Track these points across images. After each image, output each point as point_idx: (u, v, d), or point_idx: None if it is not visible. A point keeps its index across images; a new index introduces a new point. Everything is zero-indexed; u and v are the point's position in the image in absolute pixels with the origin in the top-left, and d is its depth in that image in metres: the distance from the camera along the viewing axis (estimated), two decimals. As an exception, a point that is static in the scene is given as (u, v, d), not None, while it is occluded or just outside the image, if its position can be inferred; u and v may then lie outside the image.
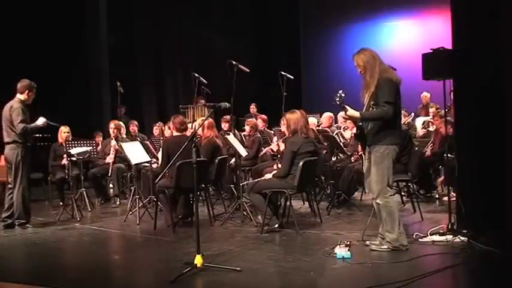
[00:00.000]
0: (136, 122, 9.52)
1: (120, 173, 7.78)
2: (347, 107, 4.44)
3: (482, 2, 4.93)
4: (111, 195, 7.96)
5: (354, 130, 4.83)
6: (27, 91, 6.09)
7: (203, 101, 9.10)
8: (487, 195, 4.80)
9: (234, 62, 6.24)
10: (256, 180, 5.82)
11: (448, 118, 6.61)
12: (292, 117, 5.55)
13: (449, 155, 6.14)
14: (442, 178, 7.39)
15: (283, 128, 6.68)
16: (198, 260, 4.04)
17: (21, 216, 6.08)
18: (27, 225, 6.11)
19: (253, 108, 11.69)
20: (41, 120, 6.15)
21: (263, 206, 5.36)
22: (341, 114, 9.10)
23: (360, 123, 4.59)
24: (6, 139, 6.06)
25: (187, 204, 6.08)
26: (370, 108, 4.44)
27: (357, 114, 4.45)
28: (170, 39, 12.74)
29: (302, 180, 5.27)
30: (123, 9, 11.75)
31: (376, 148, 4.42)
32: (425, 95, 10.21)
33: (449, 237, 4.70)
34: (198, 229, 4.18)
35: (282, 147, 6.54)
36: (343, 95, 4.44)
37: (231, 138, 6.38)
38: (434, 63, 4.94)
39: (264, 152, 7.60)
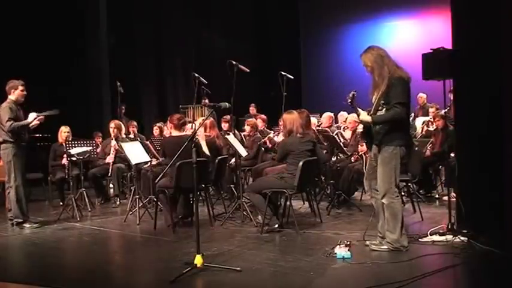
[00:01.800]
0: (135, 123, 9.52)
1: (120, 173, 7.78)
2: (360, 110, 4.41)
3: (482, 2, 4.92)
4: (111, 195, 7.97)
5: (360, 128, 4.81)
6: (13, 90, 6.12)
7: (207, 101, 9.12)
8: (487, 195, 4.80)
9: (234, 62, 6.23)
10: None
11: (448, 115, 6.62)
12: (289, 118, 5.58)
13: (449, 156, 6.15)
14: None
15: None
16: (198, 260, 4.04)
17: (17, 216, 6.10)
18: (25, 224, 6.11)
19: (252, 109, 11.67)
20: (31, 117, 6.10)
21: (263, 206, 5.36)
22: (342, 113, 9.18)
23: None
24: None
25: (187, 204, 6.07)
26: (380, 107, 4.41)
27: (368, 118, 4.41)
28: (170, 40, 12.74)
29: (302, 180, 5.27)
30: (123, 9, 11.75)
31: (385, 148, 4.39)
32: (421, 95, 10.23)
33: (449, 237, 4.70)
34: (198, 229, 4.18)
35: (277, 139, 6.59)
36: (356, 95, 4.41)
37: (231, 138, 6.38)
38: (434, 63, 4.94)
39: (263, 140, 7.60)
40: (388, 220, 4.43)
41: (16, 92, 6.11)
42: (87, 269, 4.50)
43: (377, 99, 4.41)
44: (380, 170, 4.43)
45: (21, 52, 9.34)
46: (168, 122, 6.31)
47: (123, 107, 10.33)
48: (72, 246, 5.50)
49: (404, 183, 6.47)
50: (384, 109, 4.39)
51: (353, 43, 13.12)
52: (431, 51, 4.97)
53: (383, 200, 4.44)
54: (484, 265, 4.14)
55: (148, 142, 7.65)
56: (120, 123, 7.96)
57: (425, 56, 5.02)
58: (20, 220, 6.11)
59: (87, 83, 11.21)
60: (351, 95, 4.40)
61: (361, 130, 4.70)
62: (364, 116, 4.44)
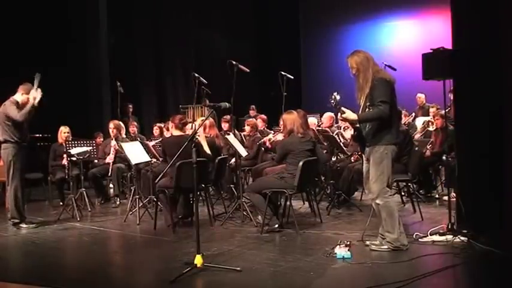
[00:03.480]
0: (135, 123, 9.52)
1: (120, 173, 7.78)
2: (343, 109, 4.42)
3: (482, 2, 4.93)
4: (111, 195, 7.96)
5: (352, 131, 4.83)
6: (22, 92, 6.03)
7: (207, 101, 9.13)
8: (487, 195, 4.80)
9: (234, 62, 6.23)
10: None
11: (448, 115, 6.62)
12: (289, 118, 5.60)
13: (449, 156, 6.14)
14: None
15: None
16: (198, 260, 4.05)
17: (14, 216, 6.10)
18: (21, 224, 6.11)
19: (252, 112, 11.65)
20: (31, 95, 5.99)
21: (263, 206, 5.36)
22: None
23: (358, 125, 4.57)
24: (0, 138, 6.09)
25: (187, 204, 6.08)
26: (367, 109, 4.43)
27: (353, 116, 4.42)
28: (170, 40, 12.74)
29: (302, 180, 5.27)
30: (123, 9, 11.75)
31: (375, 148, 4.42)
32: (420, 96, 10.23)
33: (449, 237, 4.70)
34: (198, 229, 4.18)
35: (278, 137, 6.62)
36: (338, 97, 4.46)
37: (231, 138, 6.38)
38: (434, 63, 4.94)
39: (262, 141, 7.61)
40: (386, 220, 4.43)
41: (24, 96, 6.05)
42: (87, 269, 4.50)
43: (363, 101, 4.44)
44: (372, 171, 4.44)
45: (21, 52, 9.33)
46: (170, 121, 6.32)
47: (130, 106, 10.34)
48: (72, 246, 5.50)
49: (404, 183, 6.48)
50: (370, 110, 4.41)
51: (353, 43, 13.09)
52: (431, 51, 4.97)
53: (377, 201, 4.44)
54: (484, 265, 4.14)
55: (148, 142, 7.65)
56: (120, 123, 7.96)
57: (425, 56, 5.02)
58: (16, 220, 6.11)
59: (87, 83, 11.21)
60: (333, 97, 4.43)
61: (353, 134, 4.71)
62: (350, 113, 4.42)
